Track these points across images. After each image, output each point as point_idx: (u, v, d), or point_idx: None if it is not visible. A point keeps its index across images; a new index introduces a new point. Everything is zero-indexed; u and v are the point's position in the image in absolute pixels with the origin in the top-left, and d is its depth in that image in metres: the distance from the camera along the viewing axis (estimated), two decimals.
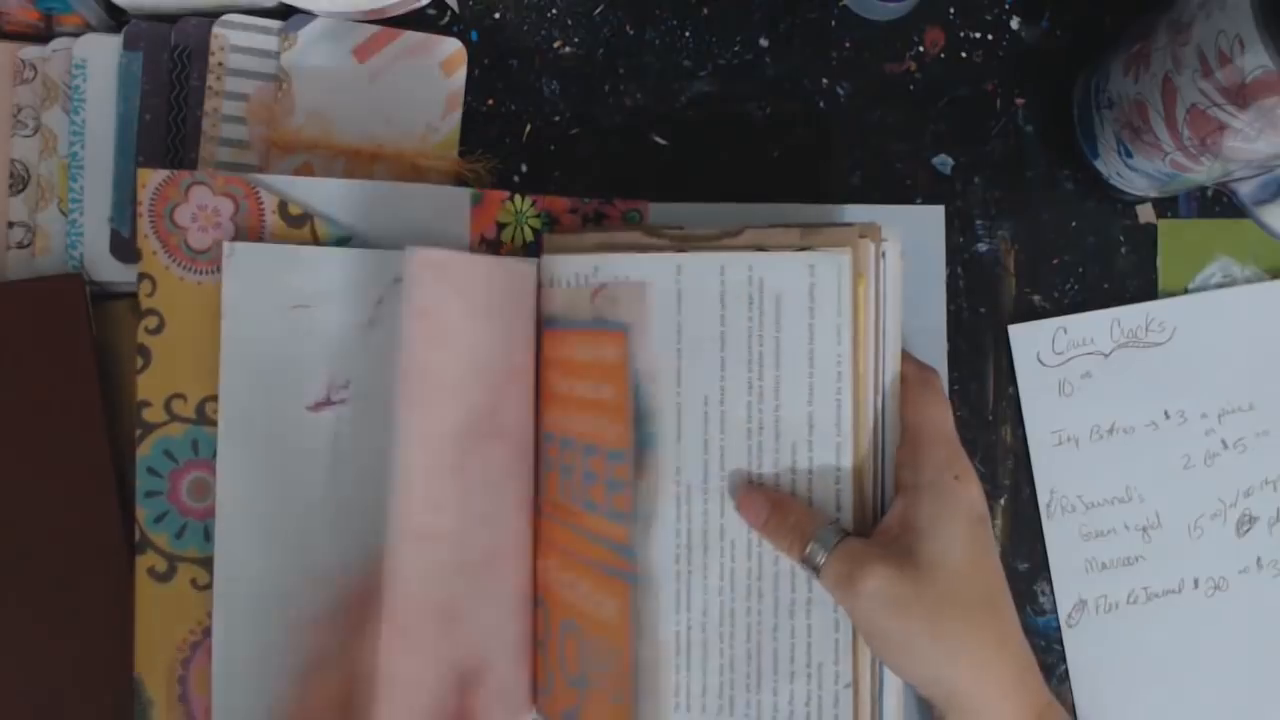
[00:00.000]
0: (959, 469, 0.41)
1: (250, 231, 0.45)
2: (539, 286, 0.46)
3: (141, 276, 0.45)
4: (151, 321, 0.45)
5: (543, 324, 0.46)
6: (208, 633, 0.44)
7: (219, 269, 0.45)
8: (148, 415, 0.45)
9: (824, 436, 0.42)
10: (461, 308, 0.42)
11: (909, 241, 0.44)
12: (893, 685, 0.42)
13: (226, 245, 0.44)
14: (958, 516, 0.40)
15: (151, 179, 0.45)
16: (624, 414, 0.41)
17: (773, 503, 0.41)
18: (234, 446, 0.44)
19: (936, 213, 0.51)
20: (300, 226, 0.45)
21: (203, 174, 0.45)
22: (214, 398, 0.45)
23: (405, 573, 0.40)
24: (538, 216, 0.48)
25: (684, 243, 0.44)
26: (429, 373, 0.41)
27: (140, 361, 0.45)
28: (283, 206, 0.45)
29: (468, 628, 0.42)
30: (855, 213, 0.50)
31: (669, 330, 0.41)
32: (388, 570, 0.39)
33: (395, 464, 0.40)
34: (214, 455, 0.44)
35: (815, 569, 0.40)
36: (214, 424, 0.45)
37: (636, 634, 0.41)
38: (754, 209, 0.50)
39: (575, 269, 0.45)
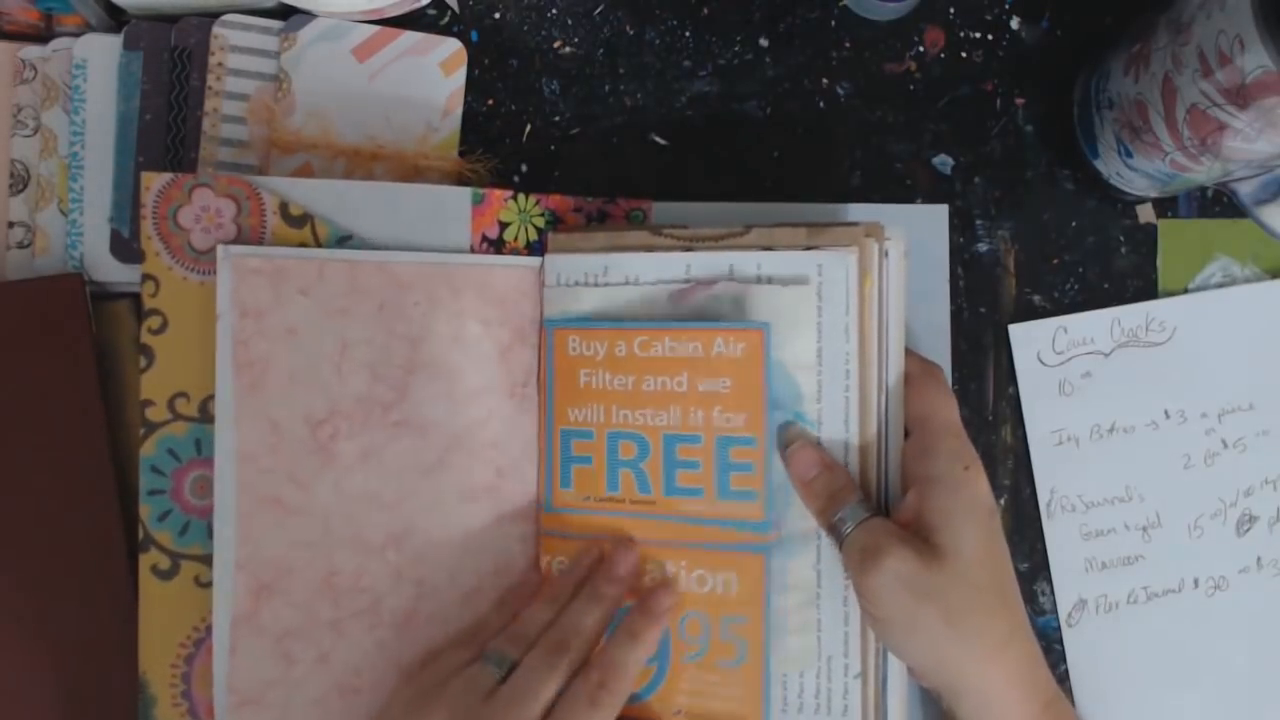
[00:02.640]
0: (967, 460, 0.41)
1: (252, 232, 0.45)
2: (543, 285, 0.46)
3: (145, 277, 0.45)
4: (155, 322, 0.45)
5: (555, 321, 0.45)
6: (210, 630, 0.44)
7: None
8: (151, 414, 0.45)
9: (833, 432, 0.42)
10: (309, 307, 0.44)
11: (913, 240, 0.44)
12: (897, 676, 0.43)
13: (221, 248, 0.44)
14: (970, 508, 0.40)
15: (155, 181, 0.45)
16: (759, 403, 0.43)
17: (823, 464, 0.42)
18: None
19: (940, 212, 0.51)
20: (301, 227, 0.45)
21: (205, 176, 0.45)
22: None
23: (257, 536, 0.44)
24: (542, 215, 0.48)
25: (692, 242, 0.44)
26: (268, 364, 0.44)
27: (144, 361, 0.45)
28: (283, 207, 0.45)
29: (357, 596, 0.45)
30: (859, 212, 0.50)
31: (811, 325, 0.43)
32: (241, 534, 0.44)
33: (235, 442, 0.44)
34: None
35: (840, 538, 0.41)
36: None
37: (770, 591, 0.43)
38: (757, 208, 0.50)
39: (585, 268, 0.45)
